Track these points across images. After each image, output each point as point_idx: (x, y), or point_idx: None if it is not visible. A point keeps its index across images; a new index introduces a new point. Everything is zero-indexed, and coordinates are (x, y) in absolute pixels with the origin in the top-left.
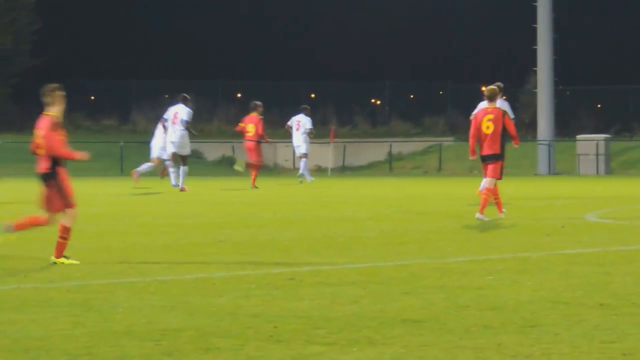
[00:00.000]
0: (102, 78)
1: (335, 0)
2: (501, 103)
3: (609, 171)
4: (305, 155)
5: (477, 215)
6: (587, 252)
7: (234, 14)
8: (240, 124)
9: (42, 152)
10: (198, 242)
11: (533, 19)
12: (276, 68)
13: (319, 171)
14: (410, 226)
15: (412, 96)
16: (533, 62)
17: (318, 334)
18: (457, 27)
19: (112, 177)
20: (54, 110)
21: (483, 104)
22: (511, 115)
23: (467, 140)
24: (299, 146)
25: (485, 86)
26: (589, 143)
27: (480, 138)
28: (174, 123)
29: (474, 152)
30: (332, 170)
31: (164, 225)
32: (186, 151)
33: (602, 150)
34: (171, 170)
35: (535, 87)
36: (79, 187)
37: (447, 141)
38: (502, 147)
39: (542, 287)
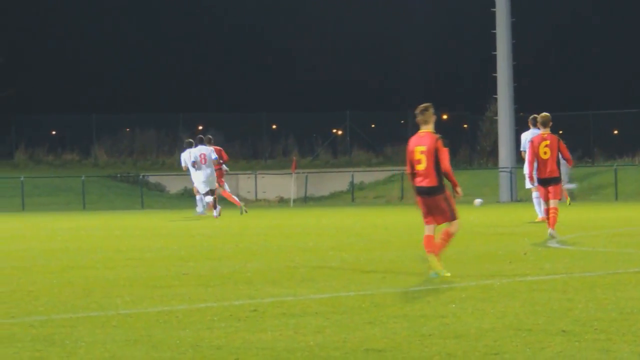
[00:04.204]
0: (63, 112)
1: (294, 31)
2: (532, 132)
3: (571, 197)
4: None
5: (550, 230)
6: (549, 279)
7: (193, 46)
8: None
9: (422, 167)
10: (160, 275)
11: (493, 46)
12: (237, 99)
13: (281, 202)
14: (373, 256)
15: (373, 126)
16: (493, 89)
17: None
18: (417, 56)
19: (74, 212)
20: (431, 128)
21: (527, 134)
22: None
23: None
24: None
25: (448, 114)
26: None
27: (538, 163)
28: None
29: (532, 178)
30: (295, 200)
31: (126, 259)
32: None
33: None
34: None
35: (496, 115)
36: (41, 222)
37: None
38: (559, 170)
39: (505, 314)
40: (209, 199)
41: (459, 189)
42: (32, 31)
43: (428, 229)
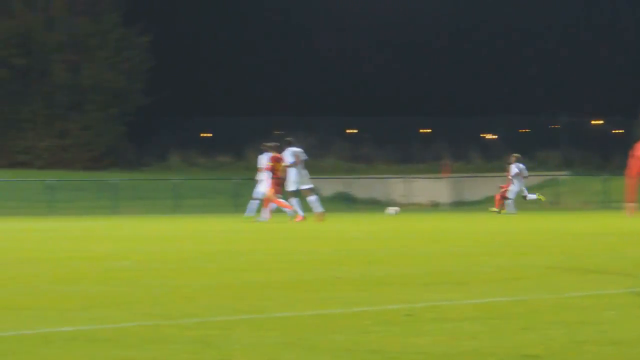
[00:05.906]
0: (215, 115)
1: (447, 37)
2: None
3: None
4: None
5: None
6: None
7: (345, 50)
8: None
9: None
10: (314, 279)
11: None
12: (390, 104)
13: (433, 206)
14: (527, 261)
15: (526, 130)
16: None
17: None
18: (569, 60)
19: (227, 214)
20: None
21: None
22: None
23: (583, 174)
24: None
25: (596, 120)
26: None
27: None
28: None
29: None
30: (447, 205)
31: (279, 262)
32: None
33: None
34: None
35: None
36: (194, 224)
37: (563, 175)
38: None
39: None
40: (313, 198)
41: None
42: (183, 34)
43: None
